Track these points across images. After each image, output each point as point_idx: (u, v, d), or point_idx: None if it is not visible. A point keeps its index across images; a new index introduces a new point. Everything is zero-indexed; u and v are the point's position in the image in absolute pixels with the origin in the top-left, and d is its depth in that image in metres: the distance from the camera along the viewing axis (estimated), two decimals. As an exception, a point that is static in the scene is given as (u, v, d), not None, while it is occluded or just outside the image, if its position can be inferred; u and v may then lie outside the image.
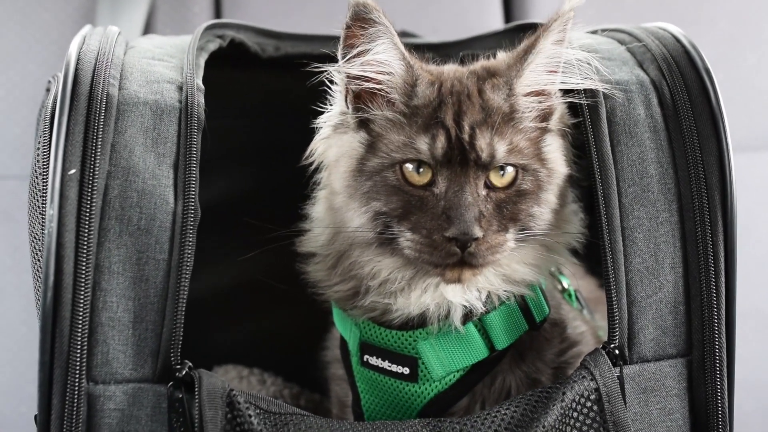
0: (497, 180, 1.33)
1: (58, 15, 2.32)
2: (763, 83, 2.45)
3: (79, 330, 1.23)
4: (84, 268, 1.23)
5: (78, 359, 1.23)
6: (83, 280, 1.23)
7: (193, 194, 1.29)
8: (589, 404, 1.28)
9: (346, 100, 1.39)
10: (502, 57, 1.43)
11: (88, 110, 1.28)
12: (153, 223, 1.28)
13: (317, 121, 1.42)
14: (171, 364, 1.26)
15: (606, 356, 1.31)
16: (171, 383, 1.26)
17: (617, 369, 1.31)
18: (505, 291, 1.39)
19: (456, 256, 1.29)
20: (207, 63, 1.47)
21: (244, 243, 1.57)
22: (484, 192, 1.32)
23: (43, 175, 1.34)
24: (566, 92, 1.40)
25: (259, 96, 1.85)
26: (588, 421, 1.28)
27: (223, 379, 1.28)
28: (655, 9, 2.44)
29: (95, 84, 1.30)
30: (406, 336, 1.40)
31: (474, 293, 1.38)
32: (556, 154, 1.39)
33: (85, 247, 1.24)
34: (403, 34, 1.34)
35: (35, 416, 1.26)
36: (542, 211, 1.36)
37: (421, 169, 1.32)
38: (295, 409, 1.28)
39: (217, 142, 1.43)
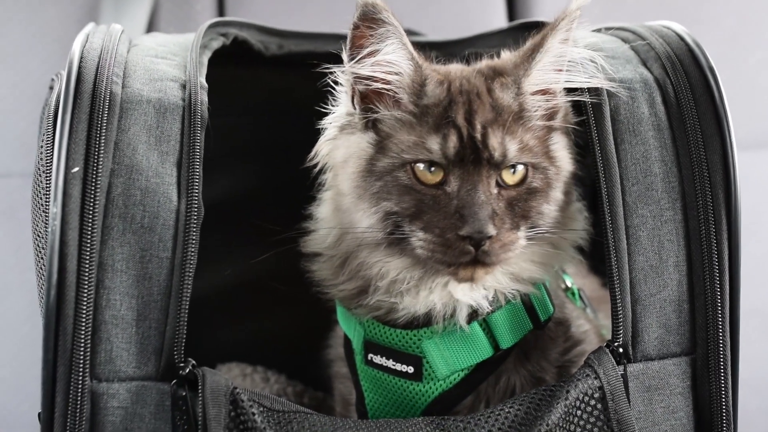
0: (509, 178, 1.33)
1: (62, 13, 2.32)
2: (767, 81, 2.44)
3: (83, 328, 1.23)
4: (87, 266, 1.23)
5: (81, 357, 1.23)
6: (86, 278, 1.23)
7: (196, 192, 1.29)
8: (593, 402, 1.28)
9: (353, 101, 1.39)
10: (508, 56, 1.43)
11: (91, 108, 1.28)
12: (156, 221, 1.28)
13: (322, 122, 1.42)
14: (174, 362, 1.26)
15: (610, 354, 1.31)
16: (174, 381, 1.26)
17: (621, 367, 1.31)
18: (512, 290, 1.39)
19: (470, 255, 1.29)
20: (210, 61, 1.47)
21: (247, 241, 1.58)
22: (495, 190, 1.32)
23: (47, 173, 1.34)
24: (570, 91, 1.39)
25: (262, 94, 1.85)
26: (592, 420, 1.28)
27: (226, 377, 1.28)
28: (659, 7, 2.44)
29: (98, 82, 1.30)
30: (410, 335, 1.39)
31: (481, 292, 1.38)
32: (563, 152, 1.39)
33: (89, 245, 1.24)
34: (407, 33, 1.34)
35: (38, 414, 1.26)
36: (551, 209, 1.36)
37: (433, 169, 1.32)
38: (298, 407, 1.28)
39: (220, 140, 1.43)
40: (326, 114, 1.42)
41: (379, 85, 1.36)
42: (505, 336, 1.39)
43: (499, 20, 2.46)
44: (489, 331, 1.39)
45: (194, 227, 1.28)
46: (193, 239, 1.28)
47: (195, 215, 1.29)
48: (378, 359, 1.42)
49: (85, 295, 1.23)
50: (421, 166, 1.32)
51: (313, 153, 1.43)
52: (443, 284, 1.37)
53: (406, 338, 1.40)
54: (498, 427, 1.26)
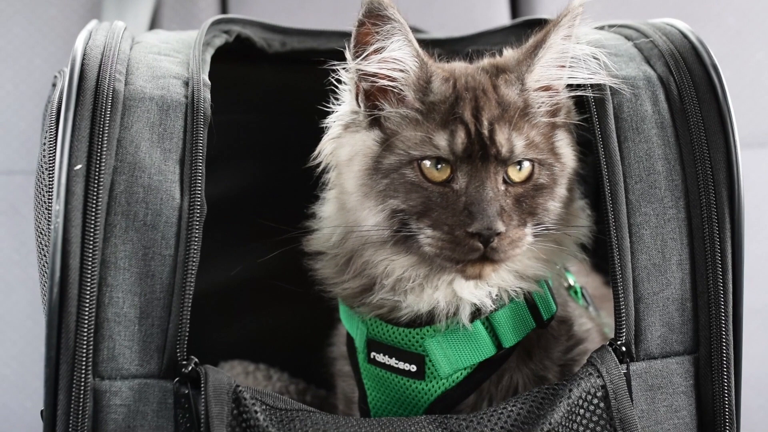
0: (515, 175, 1.33)
1: (65, 10, 2.32)
2: (771, 79, 2.44)
3: (86, 325, 1.23)
4: (90, 263, 1.23)
5: (84, 355, 1.23)
6: (89, 276, 1.23)
7: (199, 190, 1.29)
8: (595, 401, 1.28)
9: (357, 99, 1.38)
10: (510, 54, 1.43)
11: (94, 105, 1.28)
12: (159, 219, 1.28)
13: (326, 120, 1.42)
14: (177, 360, 1.26)
15: (613, 353, 1.31)
16: (177, 379, 1.26)
17: (624, 366, 1.31)
18: (516, 287, 1.39)
19: (478, 252, 1.29)
20: (213, 58, 1.47)
21: (249, 239, 1.57)
22: (503, 187, 1.32)
23: (50, 171, 1.34)
24: (573, 88, 1.39)
25: (265, 92, 1.85)
26: (594, 418, 1.27)
27: (229, 375, 1.28)
28: (662, 5, 2.43)
29: (101, 79, 1.30)
30: (413, 333, 1.39)
31: (485, 290, 1.38)
32: (567, 149, 1.39)
33: (91, 242, 1.24)
34: (410, 30, 1.33)
35: (41, 411, 1.26)
36: (556, 206, 1.37)
37: (440, 166, 1.32)
38: (301, 405, 1.28)
39: (222, 138, 1.42)
40: (329, 112, 1.42)
41: (384, 82, 1.36)
42: (508, 335, 1.39)
43: (502, 18, 2.46)
44: (492, 329, 1.39)
45: (197, 225, 1.28)
46: (196, 237, 1.28)
47: (198, 213, 1.29)
48: (381, 358, 1.42)
49: (88, 292, 1.23)
50: (427, 163, 1.32)
51: (316, 152, 1.43)
52: (448, 282, 1.37)
53: (409, 337, 1.40)
54: (501, 426, 1.26)
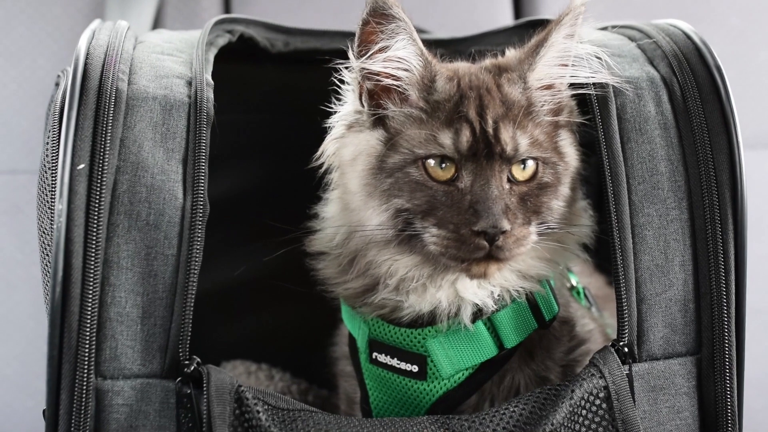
0: (519, 173, 1.33)
1: (68, 9, 2.32)
2: (774, 80, 2.44)
3: (88, 325, 1.23)
4: (93, 263, 1.23)
5: (86, 354, 1.23)
6: (92, 275, 1.23)
7: (202, 189, 1.29)
8: (597, 402, 1.28)
9: (361, 98, 1.38)
10: (512, 53, 1.43)
11: (97, 105, 1.28)
12: (162, 219, 1.28)
13: (328, 121, 1.42)
14: (179, 360, 1.26)
15: (615, 354, 1.31)
16: (179, 379, 1.26)
17: (626, 367, 1.31)
18: (519, 287, 1.39)
19: (484, 250, 1.28)
20: (216, 58, 1.47)
21: (252, 239, 1.57)
22: (507, 186, 1.32)
23: (52, 170, 1.34)
24: (576, 87, 1.39)
25: (268, 91, 1.85)
26: (597, 419, 1.27)
27: (231, 374, 1.28)
28: (665, 6, 2.43)
29: (104, 79, 1.30)
30: (415, 334, 1.39)
31: (487, 290, 1.38)
32: (570, 148, 1.39)
33: (94, 242, 1.24)
34: (414, 30, 1.34)
35: (43, 411, 1.26)
36: (560, 204, 1.37)
37: (444, 165, 1.32)
38: (303, 405, 1.28)
39: (225, 138, 1.42)
40: (332, 113, 1.42)
41: (388, 81, 1.36)
42: (510, 335, 1.38)
43: (505, 18, 2.46)
44: (493, 330, 1.39)
45: (200, 224, 1.28)
46: (199, 236, 1.28)
47: (200, 212, 1.29)
48: (382, 358, 1.42)
49: (91, 292, 1.23)
50: (432, 162, 1.32)
51: (319, 152, 1.43)
52: (452, 281, 1.37)
53: (411, 337, 1.40)
54: (503, 427, 1.26)
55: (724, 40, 2.40)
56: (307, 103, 1.47)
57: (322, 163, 1.44)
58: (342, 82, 1.40)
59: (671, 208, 1.34)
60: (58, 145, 1.27)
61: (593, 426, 1.27)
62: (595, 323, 1.53)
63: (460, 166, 1.32)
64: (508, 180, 1.33)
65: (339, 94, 1.41)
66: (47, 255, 1.40)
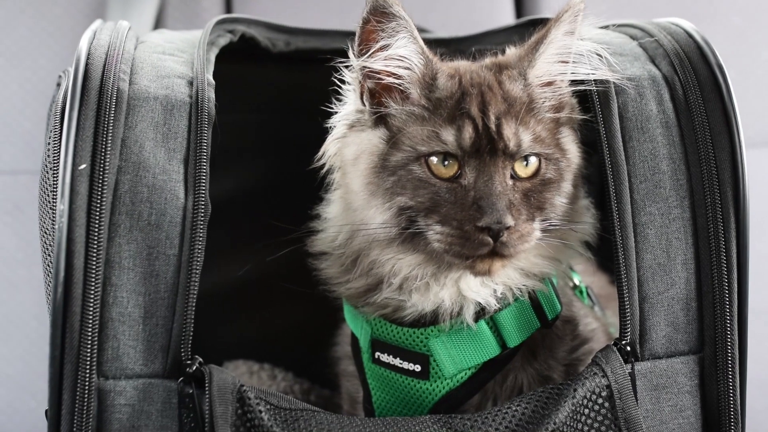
0: (521, 170, 1.33)
1: (69, 10, 2.33)
2: (776, 79, 2.44)
3: (90, 325, 1.23)
4: (94, 263, 1.23)
5: (88, 354, 1.23)
6: (93, 276, 1.23)
7: (203, 189, 1.29)
8: (600, 401, 1.28)
9: (362, 98, 1.38)
10: (513, 51, 1.44)
11: (98, 105, 1.28)
12: (163, 219, 1.28)
13: (330, 121, 1.42)
14: (181, 360, 1.26)
15: (617, 353, 1.31)
16: (181, 379, 1.26)
17: (629, 366, 1.31)
18: (522, 285, 1.39)
19: (488, 247, 1.28)
20: (217, 58, 1.47)
21: (254, 239, 1.57)
22: (510, 182, 1.32)
23: (54, 170, 1.34)
24: (577, 84, 1.39)
25: (269, 91, 1.85)
26: (599, 418, 1.27)
27: (233, 374, 1.28)
28: (667, 4, 2.43)
29: (106, 79, 1.30)
30: (417, 333, 1.39)
31: (490, 289, 1.37)
32: (572, 145, 1.40)
33: (96, 242, 1.24)
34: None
35: (45, 411, 1.26)
36: (563, 201, 1.37)
37: (447, 161, 1.32)
38: (305, 404, 1.28)
39: (227, 137, 1.42)
40: (333, 113, 1.42)
41: (390, 79, 1.36)
42: (513, 334, 1.38)
43: (506, 17, 2.46)
44: (496, 329, 1.39)
45: (201, 224, 1.28)
46: (200, 236, 1.28)
47: (202, 212, 1.29)
48: (385, 357, 1.42)
49: (92, 292, 1.23)
50: (435, 159, 1.32)
51: (320, 152, 1.43)
52: (455, 280, 1.37)
53: (413, 336, 1.40)
54: (505, 426, 1.26)
55: (726, 38, 2.40)
56: (308, 103, 1.47)
57: (324, 164, 1.44)
58: (343, 82, 1.40)
59: (673, 206, 1.34)
60: (60, 145, 1.27)
61: (596, 425, 1.27)
62: (598, 322, 1.53)
63: (463, 163, 1.32)
64: (511, 176, 1.33)
65: (340, 94, 1.41)
66: (49, 255, 1.40)
